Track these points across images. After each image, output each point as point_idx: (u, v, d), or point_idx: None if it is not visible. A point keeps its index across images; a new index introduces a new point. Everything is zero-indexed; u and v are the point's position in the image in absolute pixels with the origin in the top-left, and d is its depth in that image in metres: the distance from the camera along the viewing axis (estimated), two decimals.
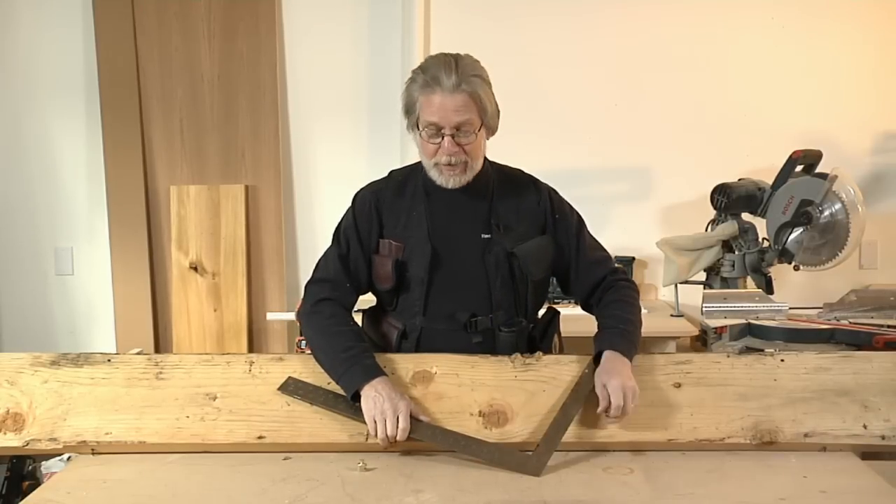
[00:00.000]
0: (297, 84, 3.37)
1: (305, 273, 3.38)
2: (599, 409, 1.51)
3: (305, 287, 1.81)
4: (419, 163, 1.82)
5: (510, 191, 1.83)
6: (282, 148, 3.36)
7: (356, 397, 1.54)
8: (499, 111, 1.76)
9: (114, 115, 3.32)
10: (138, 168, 3.33)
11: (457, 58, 1.70)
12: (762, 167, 3.09)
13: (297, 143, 3.40)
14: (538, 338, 1.83)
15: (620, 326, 1.67)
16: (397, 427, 1.48)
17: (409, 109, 1.73)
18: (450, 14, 3.29)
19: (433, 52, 3.21)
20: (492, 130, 1.77)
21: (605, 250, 1.87)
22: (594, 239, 1.88)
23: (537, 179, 1.89)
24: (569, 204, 1.89)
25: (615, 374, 1.52)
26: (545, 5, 3.29)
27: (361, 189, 1.86)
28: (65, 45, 3.35)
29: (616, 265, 1.88)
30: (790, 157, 2.86)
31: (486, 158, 1.82)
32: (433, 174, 1.75)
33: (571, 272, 1.83)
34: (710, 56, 3.28)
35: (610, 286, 1.79)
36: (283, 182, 3.37)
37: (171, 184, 3.34)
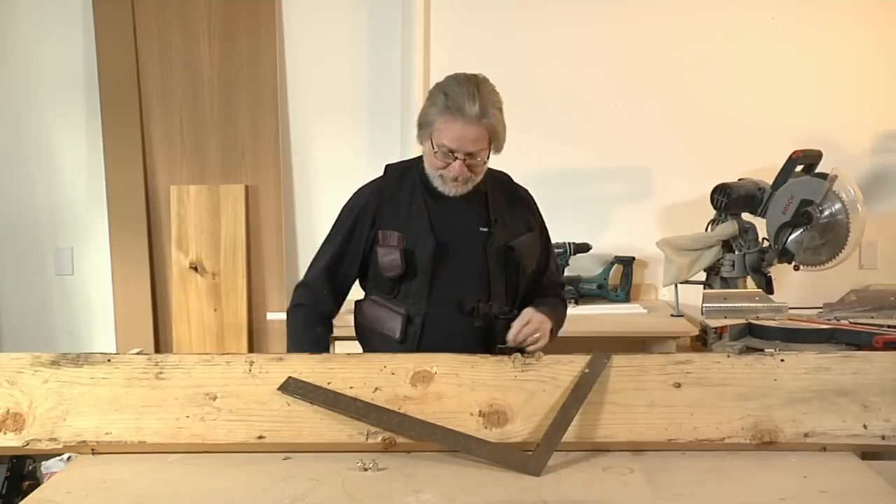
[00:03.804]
0: (297, 84, 3.37)
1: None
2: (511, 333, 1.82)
3: (295, 286, 1.98)
4: (416, 158, 1.94)
5: (500, 190, 1.97)
6: (282, 148, 3.36)
7: None
8: (506, 127, 1.86)
9: (114, 115, 3.32)
10: (138, 168, 3.33)
11: (478, 85, 1.79)
12: (762, 167, 3.09)
13: (297, 143, 3.40)
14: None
15: (553, 307, 1.94)
16: None
17: (425, 125, 1.82)
18: (450, 14, 3.29)
19: (433, 52, 3.29)
20: (498, 151, 1.88)
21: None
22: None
23: (515, 182, 2.04)
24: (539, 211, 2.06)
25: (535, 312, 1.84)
26: (545, 5, 3.29)
27: (360, 188, 1.98)
28: (65, 45, 3.35)
29: (560, 279, 2.15)
30: (790, 157, 2.86)
31: None
32: (436, 182, 1.86)
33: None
34: (710, 56, 3.28)
35: (554, 293, 2.03)
36: (283, 182, 3.37)
37: (171, 184, 3.34)
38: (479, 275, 1.88)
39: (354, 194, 1.98)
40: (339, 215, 1.97)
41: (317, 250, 1.98)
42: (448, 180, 1.83)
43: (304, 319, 1.92)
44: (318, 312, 1.93)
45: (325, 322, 1.93)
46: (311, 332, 1.89)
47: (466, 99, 1.75)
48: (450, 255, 1.87)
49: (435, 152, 1.81)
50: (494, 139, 1.81)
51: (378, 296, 1.94)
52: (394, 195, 1.92)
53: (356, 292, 2.03)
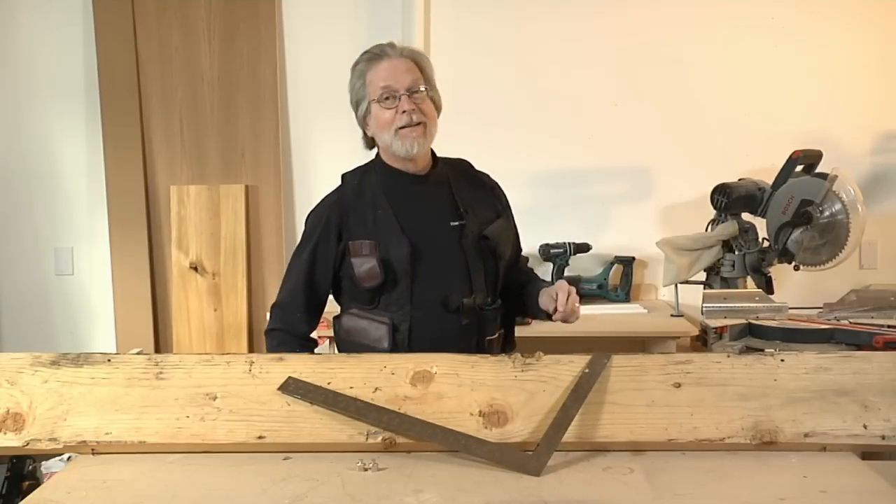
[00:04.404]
0: (297, 84, 3.38)
1: None
2: (552, 308, 1.79)
3: (270, 306, 1.96)
4: (370, 162, 1.93)
5: (463, 178, 1.95)
6: (282, 148, 3.37)
7: None
8: (440, 96, 1.90)
9: (114, 115, 3.33)
10: (138, 168, 3.33)
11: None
12: (762, 167, 3.09)
13: (297, 143, 3.40)
14: (507, 315, 1.97)
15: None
16: None
17: (359, 95, 1.86)
18: (450, 14, 3.30)
19: (433, 52, 3.28)
20: (438, 107, 1.89)
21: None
22: None
23: (476, 168, 2.03)
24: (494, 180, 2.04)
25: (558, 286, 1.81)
26: (545, 5, 3.29)
27: (319, 202, 1.93)
28: (65, 45, 3.35)
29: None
30: (790, 157, 2.86)
31: (432, 150, 1.92)
32: (396, 146, 1.83)
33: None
34: (710, 56, 3.28)
35: (534, 276, 2.05)
36: (283, 182, 3.37)
37: (171, 184, 3.34)
38: (459, 270, 1.85)
39: (314, 210, 1.93)
40: (304, 232, 1.92)
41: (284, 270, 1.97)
42: (404, 134, 1.80)
43: (278, 345, 1.88)
44: (293, 335, 1.89)
45: (301, 343, 1.89)
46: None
47: (385, 45, 1.86)
48: (426, 255, 1.83)
49: (379, 101, 1.81)
50: (427, 77, 1.85)
51: (357, 308, 1.88)
52: (356, 203, 1.87)
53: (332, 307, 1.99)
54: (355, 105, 1.88)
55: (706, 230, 2.98)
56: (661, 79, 3.29)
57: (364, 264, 1.81)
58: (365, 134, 1.91)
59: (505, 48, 3.27)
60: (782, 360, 1.57)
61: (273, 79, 3.33)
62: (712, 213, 2.99)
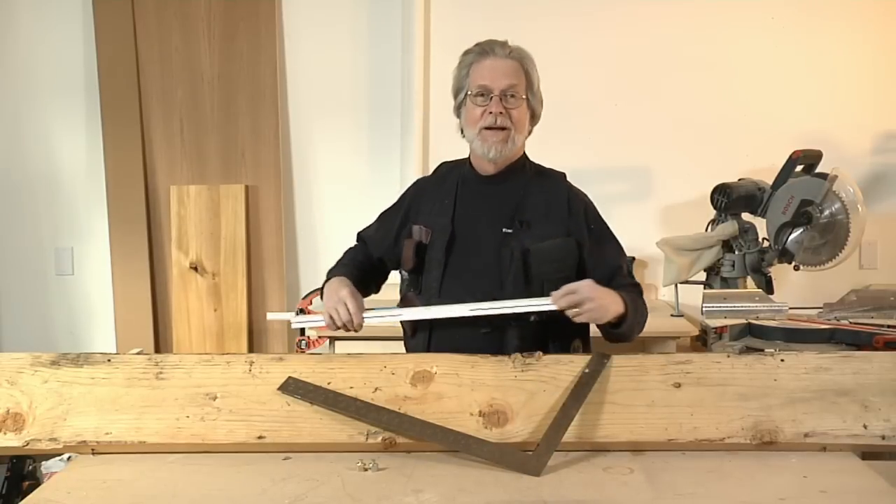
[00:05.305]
0: (297, 84, 3.38)
1: (305, 273, 3.41)
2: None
3: None
4: (467, 157, 1.93)
5: (542, 188, 1.89)
6: (282, 148, 3.36)
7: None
8: (542, 102, 1.88)
9: (114, 115, 3.33)
10: (138, 168, 3.33)
11: (506, 40, 1.86)
12: (762, 167, 3.09)
13: (297, 143, 3.40)
14: (550, 337, 1.81)
15: (626, 292, 1.78)
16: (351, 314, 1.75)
17: (460, 85, 1.87)
18: (450, 14, 3.30)
19: (433, 52, 3.28)
20: (535, 116, 1.88)
21: (631, 276, 1.95)
22: (624, 258, 1.93)
23: (572, 184, 1.94)
24: (594, 206, 1.94)
25: (590, 284, 1.68)
26: (545, 5, 3.29)
27: (413, 183, 2.04)
28: (65, 45, 3.35)
29: (633, 280, 1.93)
30: (790, 157, 2.86)
31: (525, 154, 1.91)
32: (476, 145, 1.84)
33: (588, 269, 1.83)
34: (710, 56, 3.28)
35: (621, 285, 1.82)
36: (283, 182, 3.37)
37: (171, 184, 3.34)
38: (492, 276, 1.80)
39: (411, 185, 2.04)
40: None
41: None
42: (487, 135, 1.80)
43: (347, 254, 2.01)
44: (364, 252, 2.01)
45: (361, 256, 2.00)
46: (349, 258, 1.98)
47: (496, 43, 1.84)
48: (465, 252, 1.83)
49: (474, 95, 1.81)
50: (528, 83, 1.83)
51: (410, 290, 1.94)
52: (435, 189, 1.93)
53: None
54: (454, 93, 1.89)
55: (706, 230, 2.98)
56: (661, 79, 3.29)
57: (408, 247, 1.87)
58: (459, 123, 1.94)
59: None
60: (782, 360, 1.57)
61: (273, 79, 3.33)
62: (712, 213, 2.99)
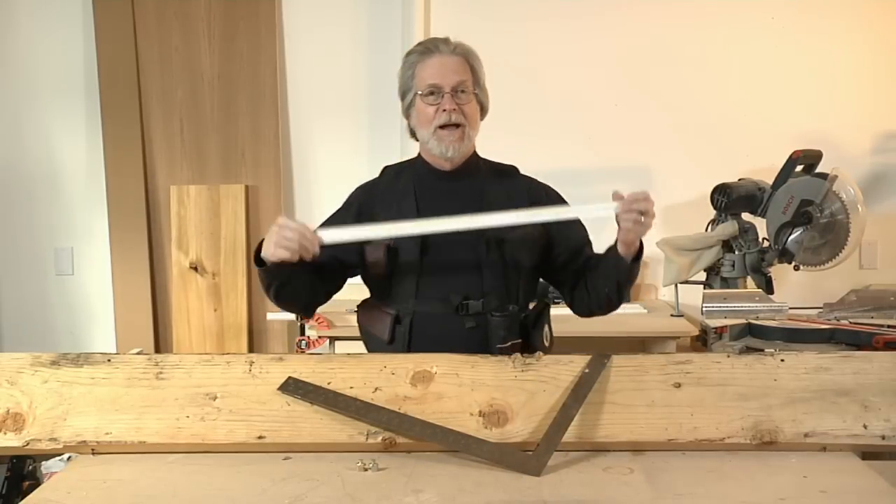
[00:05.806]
0: (297, 84, 3.38)
1: None
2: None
3: None
4: (416, 157, 1.90)
5: (499, 180, 1.91)
6: (282, 148, 3.37)
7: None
8: (489, 97, 1.86)
9: (114, 115, 3.33)
10: (138, 168, 3.33)
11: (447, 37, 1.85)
12: (762, 167, 3.09)
13: (297, 143, 3.40)
14: (530, 325, 1.86)
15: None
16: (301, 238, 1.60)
17: (406, 86, 1.83)
18: (450, 14, 3.30)
19: None
20: (484, 110, 1.87)
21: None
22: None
23: (525, 174, 1.96)
24: (555, 191, 1.97)
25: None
26: (545, 6, 3.29)
27: (355, 189, 1.96)
28: (65, 45, 3.35)
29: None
30: (790, 157, 2.86)
31: (475, 151, 1.90)
32: (432, 145, 1.82)
33: (556, 247, 1.90)
34: (710, 56, 3.28)
35: (590, 255, 1.90)
36: (283, 182, 3.37)
37: (171, 184, 3.34)
38: (471, 271, 1.81)
39: (351, 194, 1.97)
40: (333, 213, 1.96)
41: None
42: (443, 134, 1.79)
43: None
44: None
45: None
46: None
47: (439, 40, 1.83)
48: (438, 251, 1.80)
49: (424, 94, 1.79)
50: (476, 78, 1.81)
51: (374, 297, 1.90)
52: (386, 192, 1.88)
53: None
54: (401, 95, 1.87)
55: (706, 230, 2.98)
56: (661, 79, 3.29)
57: (373, 253, 1.81)
58: (409, 125, 1.91)
59: (505, 48, 3.26)
60: (782, 360, 1.57)
61: (273, 79, 3.33)
62: (712, 213, 2.99)
